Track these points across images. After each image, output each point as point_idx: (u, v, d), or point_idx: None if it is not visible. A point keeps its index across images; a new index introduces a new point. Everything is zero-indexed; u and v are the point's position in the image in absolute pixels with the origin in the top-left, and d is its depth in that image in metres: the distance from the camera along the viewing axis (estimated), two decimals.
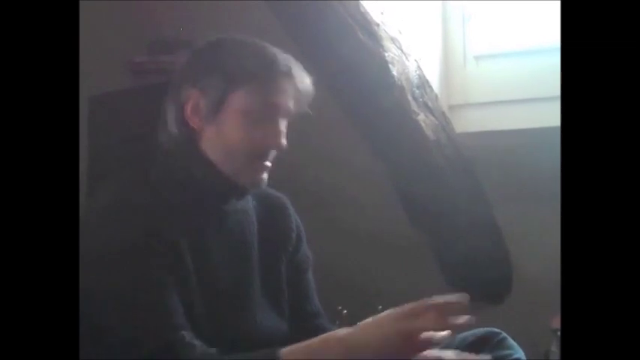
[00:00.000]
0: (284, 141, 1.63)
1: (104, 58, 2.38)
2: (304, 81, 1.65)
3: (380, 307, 2.30)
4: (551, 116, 2.23)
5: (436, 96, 2.40)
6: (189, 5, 2.49)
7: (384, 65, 2.21)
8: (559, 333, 1.95)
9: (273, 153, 1.65)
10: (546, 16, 2.38)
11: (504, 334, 1.67)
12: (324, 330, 1.72)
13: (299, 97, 1.64)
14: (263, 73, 1.60)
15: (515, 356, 1.65)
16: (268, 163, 1.65)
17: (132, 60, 2.40)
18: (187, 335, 1.48)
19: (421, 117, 2.29)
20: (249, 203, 1.71)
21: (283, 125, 1.63)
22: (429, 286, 2.46)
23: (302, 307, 1.76)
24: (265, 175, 1.66)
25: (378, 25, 2.22)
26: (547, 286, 1.90)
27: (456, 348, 1.65)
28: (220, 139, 1.61)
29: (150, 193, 1.59)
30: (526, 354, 1.68)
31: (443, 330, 1.43)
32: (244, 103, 1.60)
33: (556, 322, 1.97)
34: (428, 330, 1.42)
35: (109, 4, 2.45)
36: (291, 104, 1.64)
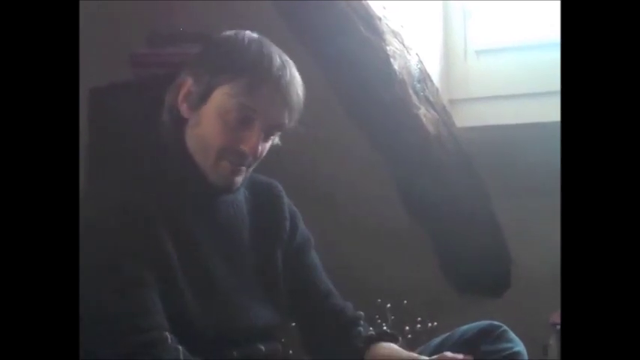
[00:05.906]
0: (259, 149, 1.58)
1: (104, 50, 2.38)
2: (296, 93, 1.58)
3: (379, 300, 2.32)
4: (551, 111, 2.23)
5: (437, 90, 2.40)
6: None
7: (385, 59, 2.21)
8: (558, 327, 1.96)
9: (247, 158, 1.59)
10: (547, 11, 2.38)
11: (505, 327, 1.66)
12: (334, 309, 1.72)
13: (285, 109, 1.58)
14: (249, 74, 1.56)
15: (516, 349, 1.64)
16: (242, 168, 1.60)
17: (132, 52, 2.40)
18: (170, 337, 1.46)
19: (422, 111, 2.29)
20: (240, 194, 1.69)
21: (259, 133, 1.57)
22: (427, 279, 2.48)
23: (311, 289, 1.74)
24: (238, 179, 1.61)
25: (380, 19, 2.22)
26: (546, 281, 1.90)
27: (458, 341, 1.65)
28: (199, 130, 1.59)
29: (138, 187, 1.57)
30: (524, 348, 1.68)
31: None
32: (224, 100, 1.57)
33: (555, 317, 1.98)
34: None
35: None
36: (274, 114, 1.58)
